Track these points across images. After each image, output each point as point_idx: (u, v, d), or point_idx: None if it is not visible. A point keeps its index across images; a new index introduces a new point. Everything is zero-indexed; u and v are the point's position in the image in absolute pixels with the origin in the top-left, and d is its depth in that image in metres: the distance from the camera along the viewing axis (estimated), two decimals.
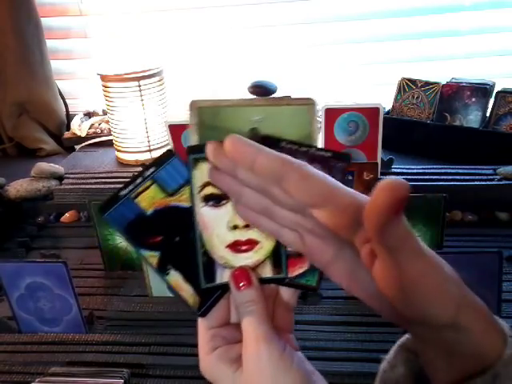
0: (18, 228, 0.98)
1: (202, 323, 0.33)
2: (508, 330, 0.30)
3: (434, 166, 0.98)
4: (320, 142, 0.95)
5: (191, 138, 0.32)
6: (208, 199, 0.32)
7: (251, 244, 0.33)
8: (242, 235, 0.32)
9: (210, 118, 0.32)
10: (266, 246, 0.33)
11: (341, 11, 1.28)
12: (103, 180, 1.03)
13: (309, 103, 0.33)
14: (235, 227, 0.32)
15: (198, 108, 0.32)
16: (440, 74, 1.18)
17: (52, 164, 1.07)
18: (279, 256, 0.33)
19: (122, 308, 0.75)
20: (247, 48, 1.34)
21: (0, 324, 0.71)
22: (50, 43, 1.29)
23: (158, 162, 0.32)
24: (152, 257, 0.32)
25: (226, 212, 0.32)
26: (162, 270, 0.33)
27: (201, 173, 0.31)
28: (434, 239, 0.75)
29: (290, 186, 0.27)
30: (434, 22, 1.27)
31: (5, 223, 0.98)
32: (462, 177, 0.93)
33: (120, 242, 0.82)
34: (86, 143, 1.28)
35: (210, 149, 0.29)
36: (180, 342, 0.66)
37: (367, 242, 0.27)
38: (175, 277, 0.33)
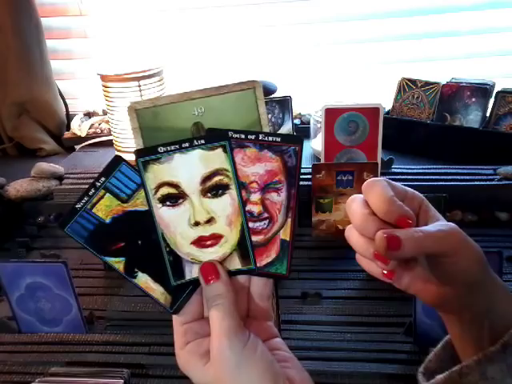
0: (18, 228, 0.98)
1: (176, 319, 0.34)
2: None
3: (434, 166, 0.98)
4: (321, 142, 0.95)
5: (136, 143, 0.33)
6: (164, 200, 0.32)
7: (215, 238, 0.33)
8: (205, 231, 0.33)
9: (151, 120, 0.33)
10: (230, 239, 0.33)
11: (341, 11, 1.28)
12: None
13: (252, 86, 0.32)
14: (197, 223, 0.33)
15: (136, 111, 0.33)
16: (440, 74, 1.18)
17: (52, 164, 1.07)
18: (245, 247, 0.33)
19: (122, 308, 0.75)
20: (247, 48, 1.34)
21: (0, 324, 0.71)
22: (49, 43, 1.29)
23: (108, 171, 0.32)
24: (118, 263, 0.33)
25: (184, 210, 0.32)
26: (129, 273, 0.33)
27: (152, 174, 0.32)
28: None
29: None
30: (434, 22, 1.27)
31: (5, 223, 0.98)
32: (462, 177, 0.93)
33: None
34: (86, 143, 1.28)
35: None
36: None
37: None
38: (143, 278, 0.33)
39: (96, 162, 1.17)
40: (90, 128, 1.30)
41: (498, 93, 1.03)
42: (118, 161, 0.32)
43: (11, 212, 1.00)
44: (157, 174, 0.32)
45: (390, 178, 1.04)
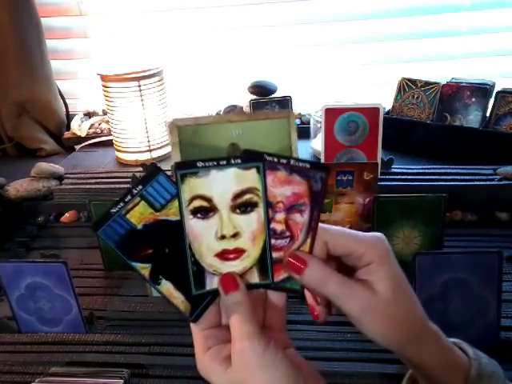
0: (18, 228, 0.98)
1: (194, 326, 0.35)
2: (470, 351, 0.36)
3: (434, 166, 0.98)
4: (321, 142, 0.95)
5: (174, 157, 0.34)
6: (196, 212, 0.34)
7: (238, 252, 0.35)
8: (230, 244, 0.35)
9: (190, 136, 0.34)
10: (252, 255, 0.35)
11: (341, 11, 1.28)
12: (103, 180, 1.03)
13: (287, 116, 0.35)
14: (223, 237, 0.34)
15: (177, 127, 0.34)
16: (440, 73, 1.18)
17: (52, 164, 1.07)
18: (265, 263, 0.35)
19: (122, 308, 0.75)
20: (247, 48, 1.34)
21: (0, 324, 0.71)
22: (49, 43, 1.29)
23: (145, 180, 0.34)
24: (144, 268, 0.35)
25: (213, 223, 0.34)
26: (153, 280, 0.35)
27: (188, 187, 0.33)
28: (434, 239, 0.75)
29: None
30: (434, 22, 1.27)
31: (5, 223, 0.98)
32: (462, 177, 0.93)
33: None
34: (86, 143, 1.28)
35: None
36: (180, 342, 0.66)
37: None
38: (167, 286, 0.35)
39: (96, 162, 1.17)
40: (90, 128, 1.30)
41: (497, 93, 1.03)
42: (156, 171, 0.34)
43: (11, 212, 1.00)
44: (192, 186, 0.33)
45: (389, 178, 1.04)
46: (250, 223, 0.34)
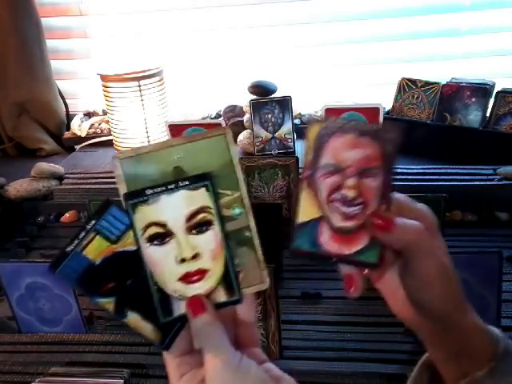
0: (18, 228, 0.98)
1: (167, 354, 0.35)
2: (498, 332, 0.37)
3: (434, 166, 0.98)
4: None
5: (120, 189, 0.34)
6: (152, 239, 0.34)
7: (201, 273, 0.34)
8: (191, 266, 0.34)
9: (134, 167, 0.34)
10: (215, 273, 0.35)
11: (341, 11, 1.28)
12: (103, 180, 1.03)
13: (223, 133, 0.35)
14: (183, 260, 0.34)
15: (120, 160, 0.34)
16: (440, 73, 1.18)
17: (52, 164, 1.07)
18: (230, 280, 0.35)
19: None
20: (247, 48, 1.34)
21: (0, 324, 0.71)
22: (49, 43, 1.29)
23: (98, 214, 0.34)
24: (108, 303, 0.34)
25: (171, 248, 0.34)
26: (119, 314, 0.34)
27: (141, 215, 0.33)
28: None
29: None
30: (434, 22, 1.27)
31: (5, 223, 0.98)
32: (462, 177, 0.93)
33: None
34: (86, 143, 1.28)
35: None
36: None
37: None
38: (133, 317, 0.35)
39: (96, 162, 1.17)
40: (90, 128, 1.30)
41: (497, 93, 1.03)
42: (107, 204, 0.34)
43: (11, 212, 1.00)
44: (145, 214, 0.33)
45: None
46: (208, 242, 0.34)
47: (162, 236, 0.33)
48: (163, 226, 0.33)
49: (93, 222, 0.34)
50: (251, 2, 1.27)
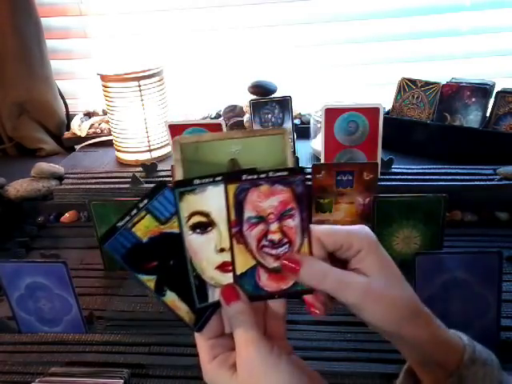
0: (18, 228, 0.98)
1: (200, 336, 0.37)
2: (465, 339, 0.38)
3: (434, 166, 0.98)
4: (321, 142, 0.95)
5: (176, 173, 0.36)
6: (195, 227, 0.35)
7: None
8: (229, 256, 0.36)
9: (192, 153, 0.36)
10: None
11: (341, 11, 1.28)
12: (103, 180, 1.03)
13: (281, 133, 0.37)
14: (222, 250, 0.36)
15: (180, 144, 0.36)
16: (440, 73, 1.18)
17: (52, 164, 1.07)
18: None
19: (122, 308, 0.75)
20: (247, 48, 1.34)
21: (0, 324, 0.71)
22: (49, 43, 1.29)
23: (151, 194, 0.35)
24: (149, 281, 0.36)
25: (212, 237, 0.36)
26: (158, 292, 0.36)
27: (187, 204, 0.35)
28: (434, 239, 0.75)
29: None
30: (434, 22, 1.27)
31: (5, 223, 0.98)
32: (462, 177, 0.93)
33: None
34: (86, 143, 1.28)
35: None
36: (180, 342, 0.66)
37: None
38: (171, 297, 0.36)
39: (96, 162, 1.17)
40: (90, 128, 1.30)
41: (498, 93, 1.03)
42: (162, 186, 0.35)
43: (11, 212, 1.00)
44: (190, 203, 0.35)
45: (389, 178, 1.04)
46: None
47: (205, 225, 0.35)
48: (207, 215, 0.35)
49: (145, 201, 0.35)
50: (251, 2, 1.27)
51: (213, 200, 0.35)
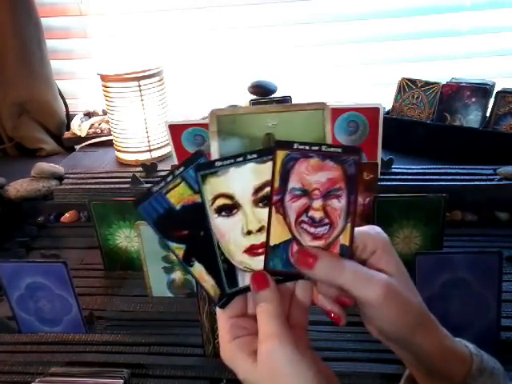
0: (18, 228, 0.98)
1: (221, 313, 0.36)
2: (473, 349, 0.36)
3: (434, 166, 0.98)
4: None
5: (212, 145, 0.35)
6: (220, 210, 0.34)
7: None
8: (257, 239, 0.35)
9: (228, 125, 0.35)
10: None
11: (341, 11, 1.28)
12: (103, 180, 1.03)
13: (321, 107, 0.36)
14: (249, 232, 0.35)
15: (217, 116, 0.35)
16: (440, 73, 1.17)
17: (52, 164, 1.07)
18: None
19: (122, 308, 0.75)
20: (247, 48, 1.34)
21: (0, 324, 0.71)
22: (49, 43, 1.29)
23: (188, 162, 0.35)
24: (178, 249, 0.35)
25: (238, 220, 0.35)
26: (186, 261, 0.35)
27: (210, 187, 0.34)
28: (434, 239, 0.75)
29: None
30: (434, 22, 1.27)
31: (5, 223, 0.98)
32: (462, 177, 0.93)
33: (120, 241, 0.82)
34: (86, 143, 1.28)
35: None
36: (180, 342, 0.66)
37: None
38: (198, 268, 0.35)
39: (96, 162, 1.17)
40: (90, 128, 1.30)
41: (497, 93, 1.03)
42: (199, 154, 0.34)
43: (11, 212, 1.00)
44: (214, 186, 0.34)
45: (389, 178, 1.03)
46: None
47: (230, 208, 0.34)
48: (231, 197, 0.34)
49: (181, 168, 0.34)
50: (251, 2, 1.27)
51: (236, 181, 0.34)
